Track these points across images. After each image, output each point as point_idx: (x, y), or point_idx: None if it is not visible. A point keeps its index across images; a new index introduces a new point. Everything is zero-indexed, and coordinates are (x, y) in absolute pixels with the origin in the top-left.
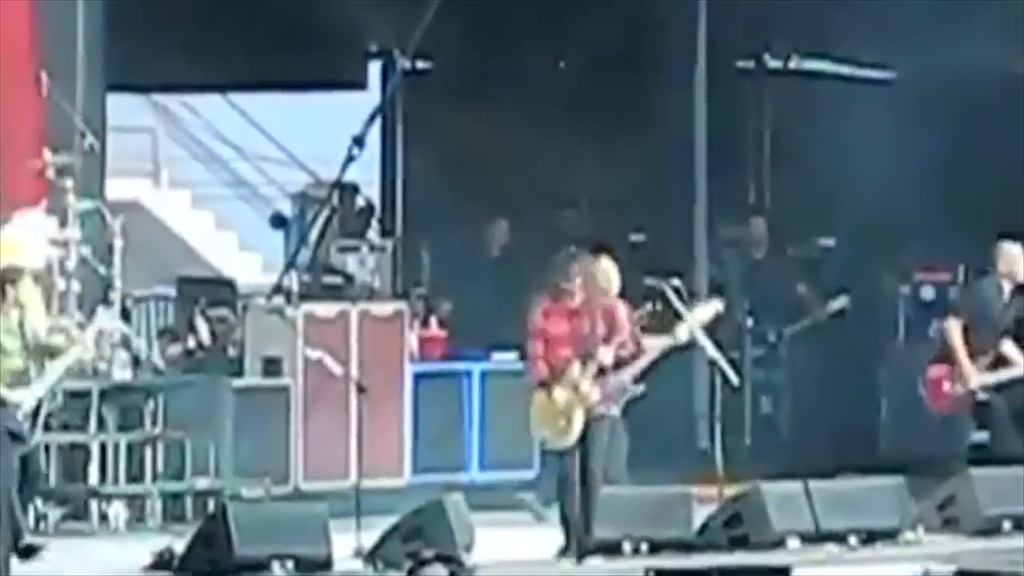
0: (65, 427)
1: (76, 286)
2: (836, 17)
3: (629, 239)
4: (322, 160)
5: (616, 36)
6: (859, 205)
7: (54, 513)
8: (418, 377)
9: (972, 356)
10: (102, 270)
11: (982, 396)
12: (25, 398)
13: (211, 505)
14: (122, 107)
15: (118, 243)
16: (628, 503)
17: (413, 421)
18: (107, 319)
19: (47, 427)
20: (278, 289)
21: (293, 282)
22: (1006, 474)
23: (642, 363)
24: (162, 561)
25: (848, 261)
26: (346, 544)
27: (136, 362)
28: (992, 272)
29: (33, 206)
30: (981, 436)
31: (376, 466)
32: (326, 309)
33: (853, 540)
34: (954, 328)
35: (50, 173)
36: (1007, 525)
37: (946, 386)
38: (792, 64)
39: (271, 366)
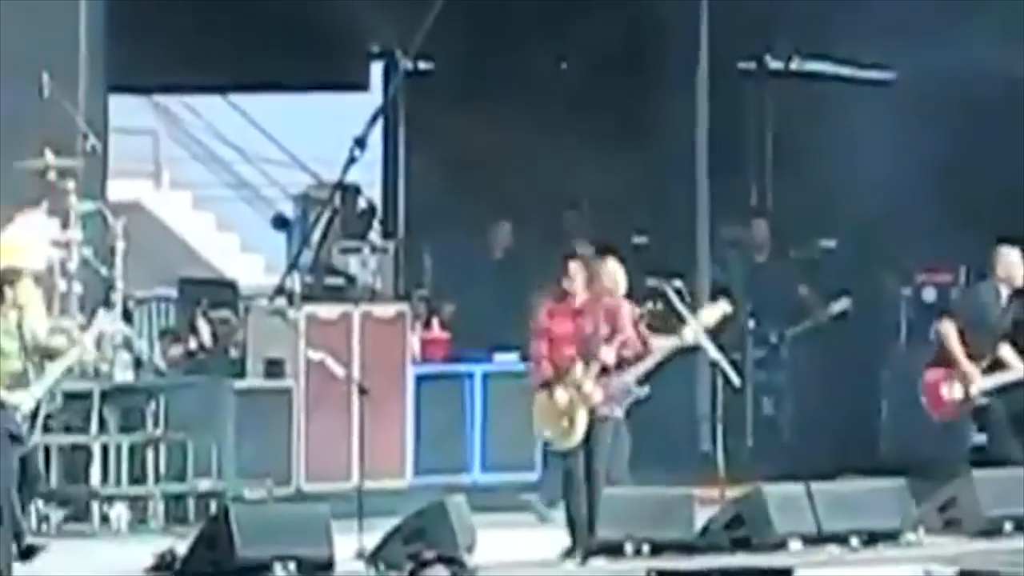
0: (67, 428)
1: (78, 287)
2: (837, 18)
3: (631, 241)
4: (324, 161)
5: (618, 37)
6: (861, 206)
7: (56, 514)
8: (420, 379)
9: (969, 360)
10: (104, 271)
11: (981, 400)
12: (24, 400)
13: (213, 507)
14: (124, 108)
15: (120, 244)
16: (630, 504)
17: (415, 422)
18: (107, 321)
19: (48, 429)
20: (280, 290)
21: (295, 283)
22: (1007, 475)
23: (648, 364)
24: (164, 563)
25: (850, 263)
26: (348, 545)
27: (138, 363)
28: (990, 277)
29: (34, 207)
30: (981, 438)
31: (378, 467)
32: (328, 310)
33: (855, 541)
34: (950, 331)
35: (52, 175)
36: (1008, 526)
37: (944, 391)
38: (793, 65)
39: (273, 367)
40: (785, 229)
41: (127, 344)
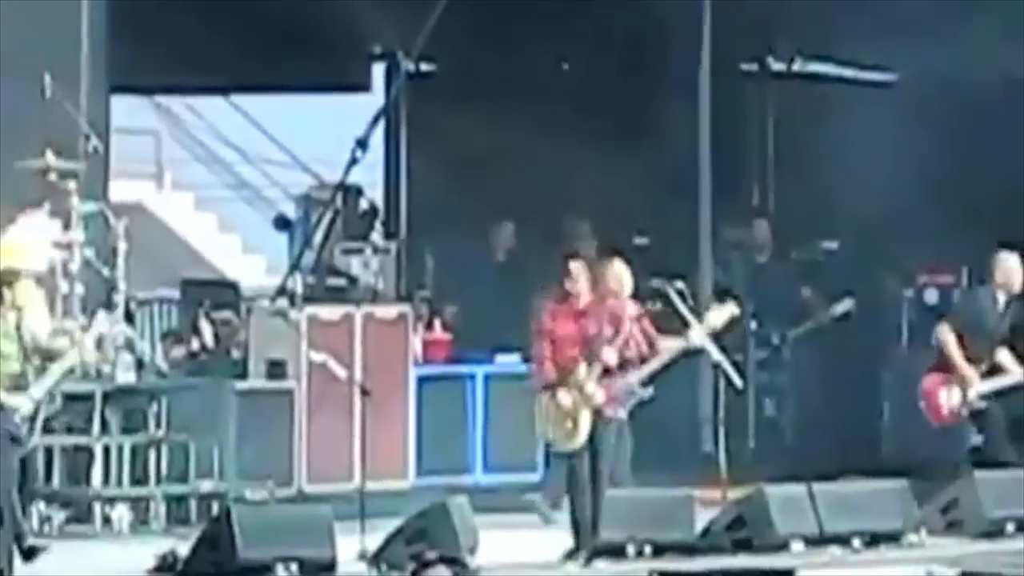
0: (68, 430)
1: (80, 288)
2: (839, 19)
3: (632, 242)
4: (326, 162)
5: (619, 38)
6: (862, 208)
7: (57, 516)
8: (422, 380)
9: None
10: (106, 272)
11: (978, 405)
12: (23, 402)
13: (215, 508)
14: (125, 109)
15: (122, 245)
16: (632, 505)
17: (417, 423)
18: (106, 323)
19: (50, 430)
20: (282, 291)
21: (297, 284)
22: (1009, 477)
23: (653, 365)
24: (166, 564)
25: (851, 264)
26: (350, 546)
27: (140, 365)
28: (988, 282)
29: (36, 208)
30: (978, 439)
31: (380, 468)
32: (330, 311)
33: (857, 543)
34: (949, 337)
35: (53, 176)
36: (1010, 527)
37: (943, 397)
38: (795, 67)
39: (275, 368)
40: (787, 230)
41: (129, 345)
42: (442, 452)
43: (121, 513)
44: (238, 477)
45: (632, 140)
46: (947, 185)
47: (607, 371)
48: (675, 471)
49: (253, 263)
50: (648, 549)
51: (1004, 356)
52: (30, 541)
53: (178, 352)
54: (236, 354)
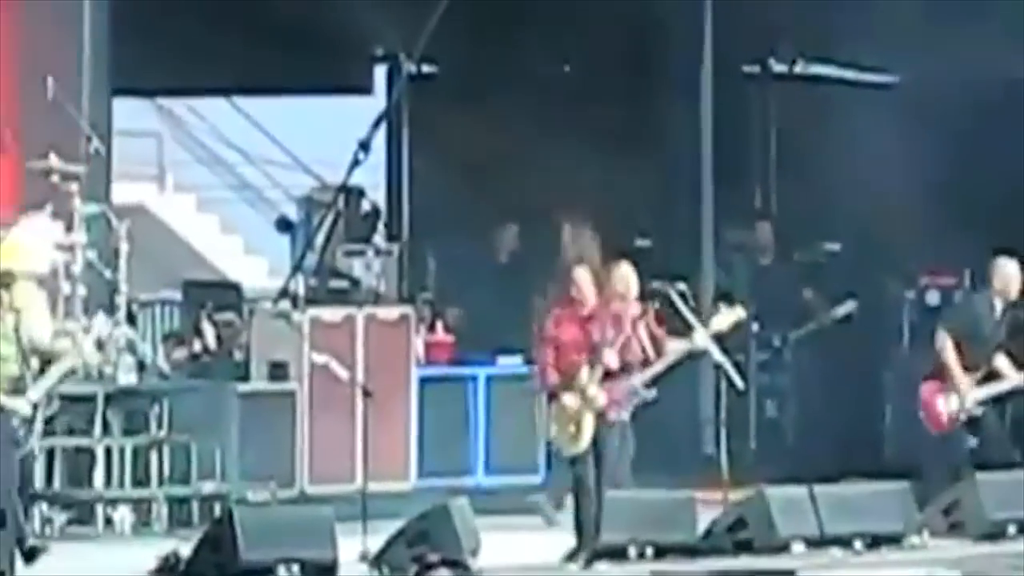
0: (70, 431)
1: (82, 290)
2: (841, 22)
3: (635, 244)
4: (328, 164)
5: (621, 40)
6: (864, 210)
7: (59, 517)
8: (424, 381)
9: (964, 371)
10: (108, 274)
11: (976, 411)
12: (21, 404)
13: (217, 509)
14: (127, 111)
15: (124, 247)
16: (633, 507)
17: (419, 425)
18: (106, 325)
19: (51, 432)
20: (284, 293)
21: (299, 286)
22: (1011, 479)
23: (657, 367)
24: (168, 565)
25: (853, 266)
26: (352, 548)
27: (141, 366)
28: (985, 288)
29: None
30: (973, 442)
31: (382, 470)
32: (332, 313)
33: (858, 544)
34: (947, 344)
35: (55, 178)
36: (1012, 529)
37: (940, 404)
38: (797, 69)
39: (277, 370)
40: (789, 232)
41: (131, 347)
42: (444, 454)
43: (123, 515)
44: (240, 479)
45: (634, 142)
46: (948, 187)
47: (609, 374)
48: (676, 472)
49: (255, 265)
50: (649, 550)
51: (1001, 362)
52: (30, 542)
53: (180, 354)
54: (238, 356)
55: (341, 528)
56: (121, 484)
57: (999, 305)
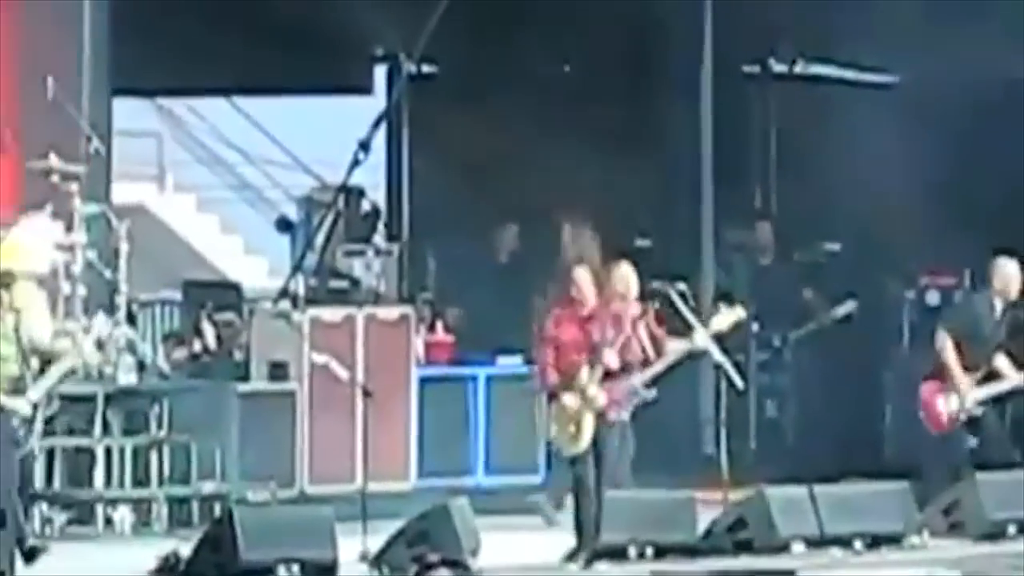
0: (70, 431)
1: (82, 290)
2: (841, 22)
3: (635, 243)
4: (328, 164)
5: (621, 40)
6: (864, 210)
7: (59, 517)
8: (424, 381)
9: (964, 371)
10: (108, 274)
11: (976, 411)
12: (21, 404)
13: (217, 509)
14: (128, 111)
15: (124, 247)
16: (633, 507)
17: (419, 425)
18: (105, 326)
19: (52, 432)
20: (284, 293)
21: (299, 286)
22: (1011, 479)
23: (657, 367)
24: (168, 565)
25: (853, 266)
26: (352, 548)
27: (141, 366)
28: (985, 288)
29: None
30: (973, 442)
31: (382, 470)
32: (332, 313)
33: (858, 544)
34: (947, 345)
35: (55, 177)
36: (1012, 529)
37: (940, 404)
38: (797, 69)
39: (277, 370)
40: (789, 232)
41: (131, 347)
42: (444, 454)
43: (123, 515)
44: (240, 478)
45: (634, 142)
46: (948, 187)
47: (609, 374)
48: (676, 472)
49: (255, 265)
50: (649, 550)
51: (1001, 361)
52: (30, 542)
53: (180, 354)
54: (238, 356)
55: (341, 528)
56: (121, 484)
57: (999, 305)
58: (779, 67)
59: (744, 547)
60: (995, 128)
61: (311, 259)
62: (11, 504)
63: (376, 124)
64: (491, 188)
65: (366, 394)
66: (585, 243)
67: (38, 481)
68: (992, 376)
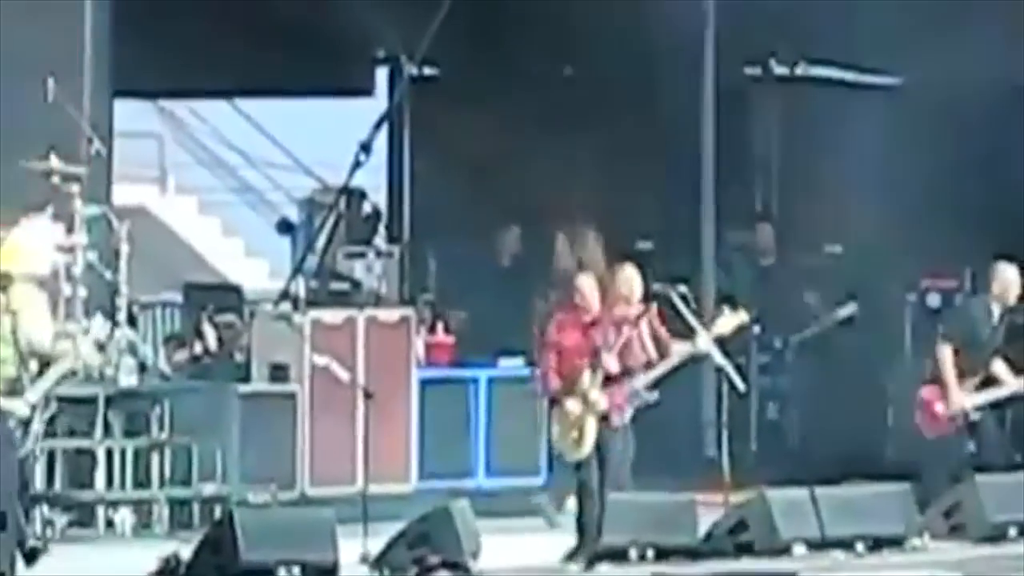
0: (71, 433)
1: (82, 292)
2: (843, 24)
3: (636, 246)
4: (329, 166)
5: (623, 42)
6: (865, 212)
7: (60, 519)
8: (425, 383)
9: (962, 376)
10: (108, 276)
11: (974, 416)
12: (18, 406)
13: (218, 511)
14: (129, 113)
15: (124, 249)
16: (634, 509)
17: (420, 427)
18: (103, 328)
19: (52, 433)
20: (285, 295)
21: (300, 288)
22: (1012, 481)
23: (660, 370)
24: (168, 567)
25: (855, 268)
26: (352, 550)
27: (142, 368)
28: (984, 293)
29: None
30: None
31: (383, 472)
32: (333, 315)
33: (859, 547)
34: (946, 355)
35: (56, 179)
36: (1013, 532)
37: (939, 408)
38: (799, 71)
39: (278, 372)
40: (790, 234)
41: (132, 349)
42: (445, 456)
43: (124, 516)
44: (241, 480)
45: (635, 144)
46: (950, 189)
47: (610, 378)
48: (678, 475)
49: (256, 267)
50: (651, 553)
51: (999, 367)
52: (30, 543)
53: (181, 356)
54: (239, 357)
55: (342, 530)
56: (122, 486)
57: (996, 310)
58: (781, 69)
59: (745, 549)
60: (997, 130)
61: (312, 261)
62: (11, 506)
63: (377, 126)
64: (492, 190)
65: (367, 396)
66: (589, 249)
67: (39, 483)
68: (990, 381)
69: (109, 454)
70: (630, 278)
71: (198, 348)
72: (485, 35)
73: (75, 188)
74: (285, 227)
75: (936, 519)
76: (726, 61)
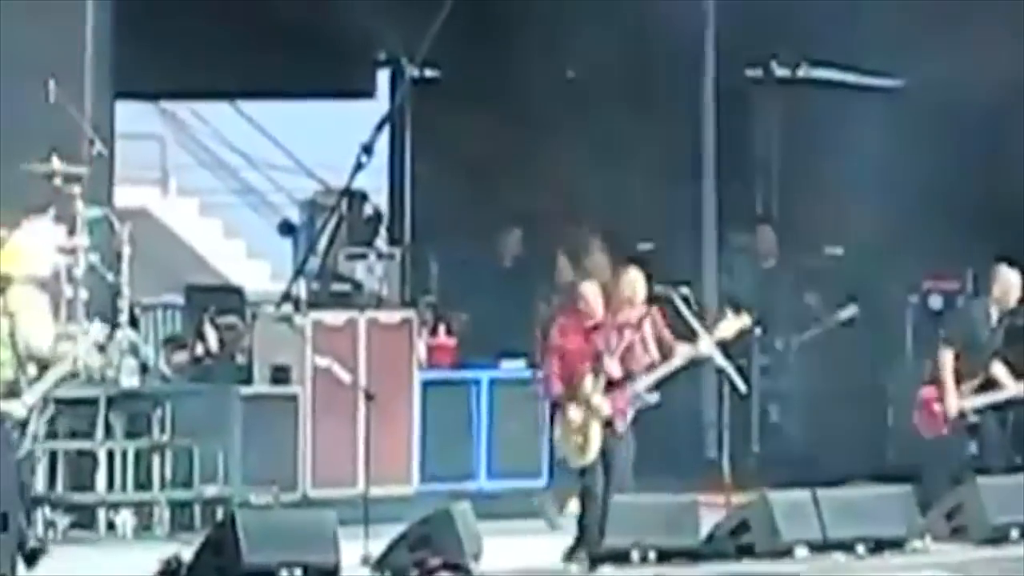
0: (73, 434)
1: (84, 294)
2: (845, 25)
3: (637, 247)
4: (330, 168)
5: (624, 44)
6: (867, 214)
7: (62, 521)
8: (426, 385)
9: (961, 379)
10: (110, 278)
11: (973, 419)
12: (16, 408)
13: (219, 513)
14: (130, 114)
15: (126, 250)
16: (636, 511)
17: (421, 429)
18: (99, 332)
19: (54, 435)
20: (286, 297)
21: (301, 290)
22: (1013, 483)
23: (661, 372)
24: (170, 569)
25: (856, 270)
26: (354, 552)
27: (144, 370)
28: (984, 295)
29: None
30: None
31: (384, 474)
32: (334, 317)
33: (861, 549)
34: (947, 359)
35: (58, 180)
36: (1014, 533)
37: (937, 408)
38: (800, 73)
39: (279, 374)
40: (791, 236)
41: (133, 350)
42: (446, 458)
43: (125, 518)
44: (242, 482)
45: (637, 146)
46: (951, 191)
47: (613, 382)
48: (679, 476)
49: (258, 268)
50: (652, 554)
51: (999, 369)
52: (30, 544)
53: (182, 357)
54: (240, 359)
55: (343, 532)
56: (123, 487)
57: (995, 313)
58: (782, 71)
59: (747, 551)
60: (998, 132)
61: (314, 263)
62: (13, 508)
63: (379, 128)
64: (494, 192)
65: (368, 398)
66: (595, 258)
67: (40, 485)
68: (989, 383)
69: (110, 456)
70: (634, 280)
71: (199, 350)
72: (486, 37)
73: (77, 190)
74: (287, 229)
75: (938, 521)
76: (727, 63)
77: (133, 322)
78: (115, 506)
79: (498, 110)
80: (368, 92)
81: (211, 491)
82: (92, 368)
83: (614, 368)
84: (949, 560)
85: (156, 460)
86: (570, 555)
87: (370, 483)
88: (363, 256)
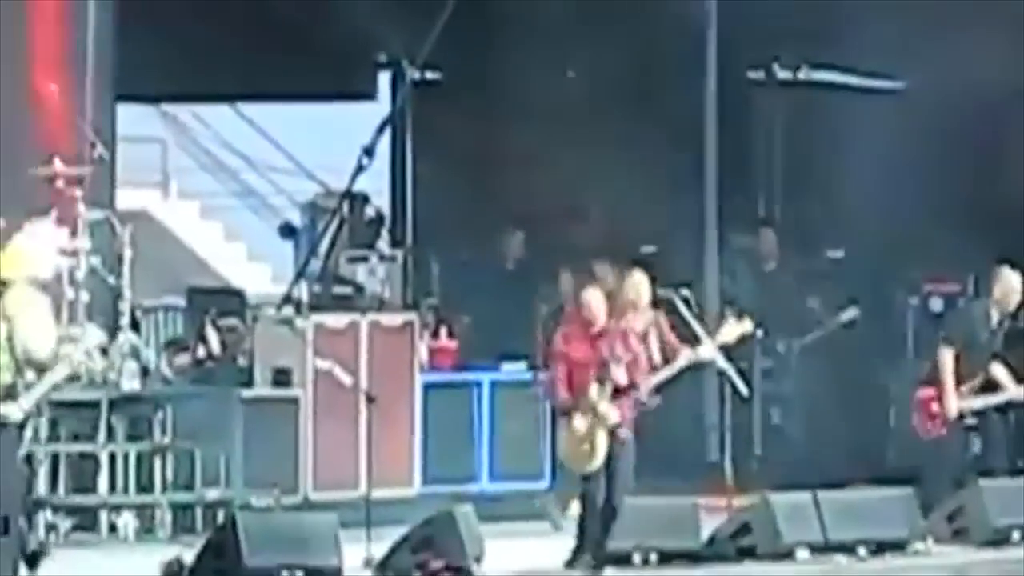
0: (74, 437)
1: (85, 296)
2: (846, 28)
3: (639, 250)
4: (332, 170)
5: (625, 46)
6: (868, 216)
7: (63, 523)
8: (428, 387)
9: (961, 379)
10: (111, 280)
11: (971, 421)
12: (12, 411)
13: (220, 515)
14: (132, 117)
15: (127, 253)
16: (638, 513)
17: (423, 431)
18: (96, 337)
19: (56, 438)
20: (288, 299)
21: (303, 292)
22: (1015, 485)
23: (662, 375)
24: (171, 572)
25: (857, 272)
26: (356, 554)
27: (145, 372)
28: (984, 297)
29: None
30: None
31: (386, 476)
32: (336, 319)
33: (862, 551)
34: (947, 360)
35: (60, 183)
36: (1016, 536)
37: (935, 408)
38: (802, 75)
39: (281, 376)
40: (793, 239)
41: (134, 353)
42: (448, 460)
43: (127, 521)
44: (244, 485)
45: (638, 148)
46: (952, 193)
47: (619, 390)
48: (681, 479)
49: (259, 271)
50: (654, 557)
51: (999, 371)
52: (31, 547)
53: (184, 360)
54: (242, 362)
55: (345, 534)
56: (125, 490)
57: (996, 315)
58: (783, 73)
59: (748, 554)
60: (1000, 135)
61: (315, 265)
62: (15, 511)
63: (380, 130)
64: (495, 194)
65: (370, 400)
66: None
67: (42, 487)
68: (989, 385)
69: (112, 458)
70: (638, 284)
71: (201, 352)
72: (487, 39)
73: (78, 192)
74: (288, 231)
75: (939, 523)
76: (729, 65)
77: (134, 325)
78: (117, 509)
79: (499, 112)
80: (369, 94)
81: (213, 494)
82: (94, 371)
83: (620, 376)
84: (951, 562)
85: (158, 463)
86: (572, 561)
87: (372, 485)
88: (364, 258)
